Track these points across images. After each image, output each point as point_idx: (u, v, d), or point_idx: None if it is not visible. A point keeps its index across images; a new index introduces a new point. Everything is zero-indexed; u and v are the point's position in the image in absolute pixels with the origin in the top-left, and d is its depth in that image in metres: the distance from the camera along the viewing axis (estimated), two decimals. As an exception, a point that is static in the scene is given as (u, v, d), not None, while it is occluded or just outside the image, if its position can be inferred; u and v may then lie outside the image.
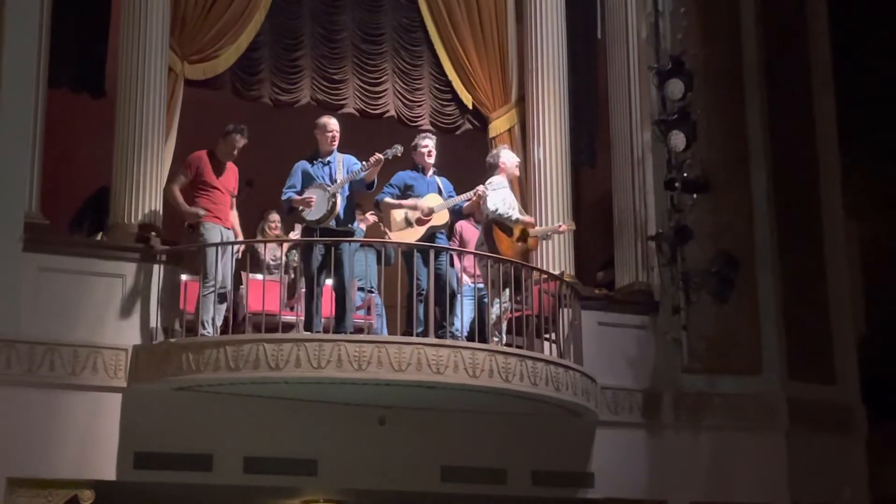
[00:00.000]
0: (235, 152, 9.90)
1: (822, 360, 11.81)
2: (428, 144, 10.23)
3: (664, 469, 10.84)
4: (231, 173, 9.95)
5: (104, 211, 10.07)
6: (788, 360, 11.41)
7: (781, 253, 11.69)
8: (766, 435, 11.08)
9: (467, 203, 10.19)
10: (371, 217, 10.96)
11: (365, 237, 10.49)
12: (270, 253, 10.56)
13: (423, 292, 9.54)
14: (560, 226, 10.73)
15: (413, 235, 9.97)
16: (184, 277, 9.63)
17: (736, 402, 11.13)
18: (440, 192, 10.19)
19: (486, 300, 9.88)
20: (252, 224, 10.92)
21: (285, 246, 10.33)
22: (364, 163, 9.68)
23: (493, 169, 10.42)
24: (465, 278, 10.11)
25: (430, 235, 9.98)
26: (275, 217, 10.88)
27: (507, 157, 10.51)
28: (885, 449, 12.13)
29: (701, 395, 11.12)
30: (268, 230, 10.96)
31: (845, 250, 12.59)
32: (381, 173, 9.85)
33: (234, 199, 10.03)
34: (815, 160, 12.41)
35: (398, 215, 10.04)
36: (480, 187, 10.15)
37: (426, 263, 9.54)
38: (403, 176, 10.21)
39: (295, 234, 10.56)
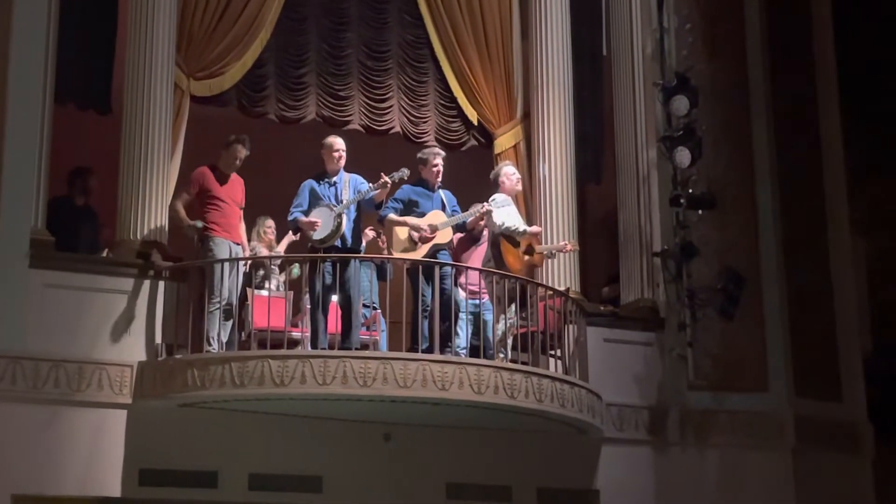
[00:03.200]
0: (238, 163, 9.89)
1: (828, 377, 11.77)
2: (438, 163, 10.18)
3: (670, 486, 10.81)
4: (237, 185, 9.93)
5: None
6: (795, 377, 11.38)
7: (788, 269, 11.66)
8: (773, 452, 11.05)
9: (472, 219, 10.18)
10: (370, 232, 10.92)
11: (364, 253, 10.45)
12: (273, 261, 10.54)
13: (428, 309, 9.52)
14: (565, 244, 10.71)
15: (416, 254, 9.93)
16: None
17: (742, 420, 11.10)
18: (444, 208, 10.16)
19: (484, 317, 9.85)
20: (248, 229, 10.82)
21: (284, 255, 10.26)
22: (371, 184, 9.69)
23: (496, 186, 10.43)
24: (461, 293, 10.04)
25: (434, 253, 9.93)
26: (270, 223, 10.81)
27: (508, 174, 10.51)
28: (891, 467, 12.07)
29: (707, 413, 11.10)
30: (262, 234, 10.87)
31: (852, 266, 12.56)
32: (388, 191, 9.85)
33: (241, 213, 10.01)
34: (822, 176, 12.39)
35: (401, 234, 10.00)
36: (486, 205, 10.13)
37: (430, 281, 9.52)
38: (408, 191, 10.13)
39: (287, 242, 10.54)
